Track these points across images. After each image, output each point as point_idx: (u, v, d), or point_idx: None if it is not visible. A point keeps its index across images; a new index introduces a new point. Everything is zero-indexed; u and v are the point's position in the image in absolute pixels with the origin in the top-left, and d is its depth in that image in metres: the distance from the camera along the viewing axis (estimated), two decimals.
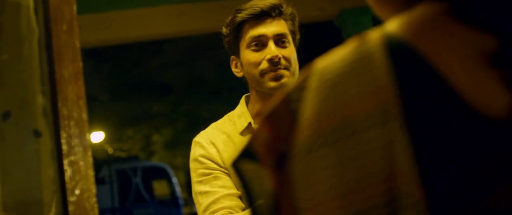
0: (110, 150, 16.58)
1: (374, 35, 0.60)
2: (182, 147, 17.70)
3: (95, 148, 16.31)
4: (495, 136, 0.54)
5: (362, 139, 0.56)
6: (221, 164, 1.65)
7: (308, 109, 0.60)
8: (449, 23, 0.58)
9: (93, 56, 15.69)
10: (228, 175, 1.64)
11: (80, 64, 1.12)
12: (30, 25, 1.03)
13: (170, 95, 17.80)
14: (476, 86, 0.55)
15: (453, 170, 0.54)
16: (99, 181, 14.35)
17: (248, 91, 1.80)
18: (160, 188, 14.98)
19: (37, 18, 1.04)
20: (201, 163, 1.66)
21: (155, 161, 17.72)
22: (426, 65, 0.56)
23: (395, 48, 0.58)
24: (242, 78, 1.76)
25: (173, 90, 17.82)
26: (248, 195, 0.70)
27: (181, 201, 15.04)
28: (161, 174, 15.13)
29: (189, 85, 17.47)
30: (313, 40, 8.18)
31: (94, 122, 17.00)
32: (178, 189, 15.07)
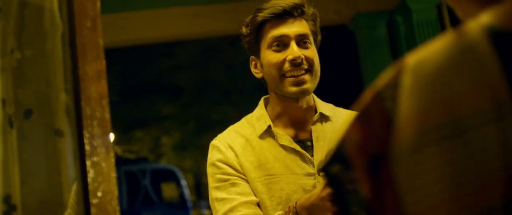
0: (119, 152, 16.60)
1: (473, 27, 0.57)
2: (191, 149, 17.69)
3: None
4: None
5: (476, 136, 0.52)
6: (239, 168, 1.62)
7: (405, 107, 0.57)
8: None
9: (105, 58, 15.72)
10: (246, 180, 1.61)
11: (104, 62, 1.09)
12: (54, 21, 1.00)
13: (180, 97, 17.79)
14: None
15: None
16: None
17: (267, 93, 1.77)
18: (168, 190, 14.95)
19: (61, 13, 1.01)
20: (219, 167, 1.63)
21: (164, 163, 17.72)
22: None
23: (500, 39, 0.54)
24: (262, 80, 1.72)
25: (184, 93, 17.80)
26: (338, 201, 0.66)
27: (189, 204, 15.02)
28: (170, 176, 15.11)
29: (200, 88, 17.46)
30: (326, 43, 8.15)
31: None
32: (186, 192, 15.04)
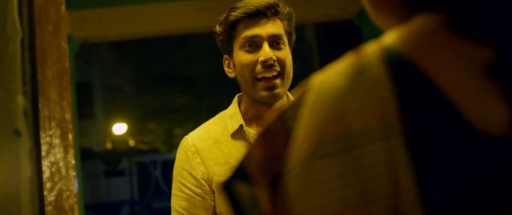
0: (131, 142, 16.72)
1: (372, 49, 0.59)
2: None
3: (117, 140, 16.46)
4: (494, 154, 0.53)
5: (364, 153, 0.54)
6: (201, 180, 1.63)
7: (303, 123, 0.59)
8: (447, 36, 0.57)
9: (117, 48, 15.82)
10: (208, 194, 1.62)
11: (66, 64, 1.12)
12: (14, 26, 1.04)
13: (193, 89, 17.84)
14: (475, 101, 0.54)
15: (453, 190, 0.53)
16: (119, 172, 14.48)
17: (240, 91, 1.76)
18: None
19: (21, 18, 1.05)
20: (183, 177, 1.65)
21: (175, 155, 17.80)
22: (425, 79, 0.55)
23: (394, 62, 0.57)
24: (234, 79, 1.72)
25: (197, 85, 17.85)
26: None
27: None
28: None
29: (213, 80, 17.49)
30: (333, 39, 8.14)
31: (117, 113, 17.16)
32: None
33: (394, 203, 0.53)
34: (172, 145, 19.43)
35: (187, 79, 17.92)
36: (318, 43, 8.70)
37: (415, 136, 0.54)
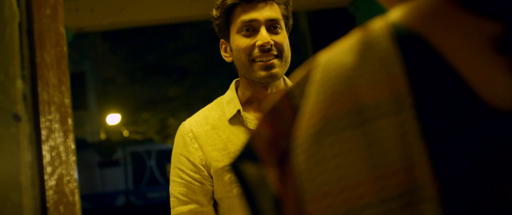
0: (125, 133, 16.70)
1: (379, 25, 0.59)
2: None
3: (111, 130, 16.44)
4: (503, 128, 0.53)
5: (375, 127, 0.54)
6: (200, 165, 1.63)
7: (311, 100, 0.59)
8: (455, 11, 0.57)
9: (110, 38, 15.76)
10: (207, 179, 1.62)
11: (65, 49, 1.11)
12: (12, 9, 1.02)
13: (187, 79, 17.82)
14: (483, 75, 0.54)
15: (462, 163, 0.53)
16: (113, 163, 14.48)
17: (237, 76, 1.75)
18: None
19: (19, 1, 1.04)
20: (181, 163, 1.65)
21: (170, 145, 17.80)
22: (434, 53, 0.55)
23: (402, 37, 0.57)
24: (231, 63, 1.71)
25: (190, 74, 17.83)
26: (248, 198, 0.67)
27: None
28: None
29: (206, 70, 17.47)
30: (326, 27, 8.13)
31: (110, 104, 17.12)
32: None
33: (407, 177, 0.52)
34: (166, 135, 19.42)
35: (180, 69, 17.89)
36: (311, 32, 8.69)
37: (425, 109, 0.53)
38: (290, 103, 0.62)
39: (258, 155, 0.64)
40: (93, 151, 15.60)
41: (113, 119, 16.59)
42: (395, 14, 0.61)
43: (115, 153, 14.88)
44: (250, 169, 0.65)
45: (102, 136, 16.85)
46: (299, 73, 0.64)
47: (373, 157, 0.53)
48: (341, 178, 0.54)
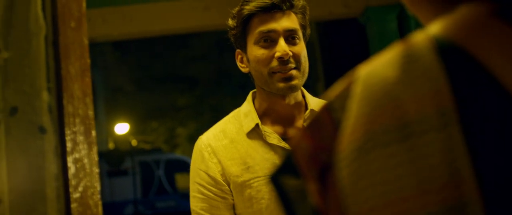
0: (134, 142, 16.73)
1: (420, 38, 0.59)
2: None
3: (120, 139, 16.47)
4: None
5: (420, 142, 0.53)
6: (220, 180, 1.60)
7: (352, 114, 0.58)
8: (498, 25, 0.56)
9: (120, 48, 15.83)
10: (228, 194, 1.60)
11: (88, 61, 1.12)
12: (38, 22, 1.03)
13: (196, 88, 17.88)
14: None
15: (509, 181, 0.52)
16: (122, 172, 14.50)
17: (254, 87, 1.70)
18: (182, 180, 15.02)
19: (45, 14, 1.05)
20: (201, 178, 1.62)
21: (178, 154, 17.83)
22: (478, 67, 0.54)
23: (446, 51, 0.56)
24: (248, 74, 1.67)
25: (199, 84, 17.89)
26: (287, 211, 0.66)
27: None
28: (184, 167, 15.18)
29: (215, 79, 17.51)
30: (335, 36, 8.13)
31: (119, 113, 17.17)
32: None
33: (453, 193, 0.52)
34: (175, 144, 19.45)
35: (189, 79, 17.95)
36: (320, 42, 8.69)
37: (470, 124, 0.53)
38: (331, 116, 0.62)
39: (298, 168, 0.63)
40: (101, 160, 15.59)
41: (122, 128, 16.62)
42: (436, 27, 0.60)
43: (123, 162, 14.90)
44: (290, 182, 0.65)
45: (111, 145, 16.90)
46: (338, 87, 0.64)
47: (419, 172, 0.53)
48: (386, 193, 0.54)
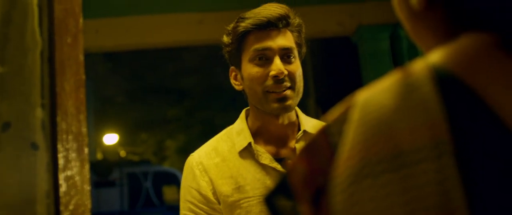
0: (122, 153, 16.66)
1: (420, 67, 0.59)
2: None
3: (108, 150, 16.39)
4: None
5: (414, 172, 0.54)
6: (211, 198, 1.59)
7: (349, 140, 0.58)
8: (500, 56, 0.57)
9: (111, 59, 15.80)
10: (219, 211, 1.58)
11: (83, 77, 1.12)
12: (34, 38, 1.03)
13: (186, 101, 17.84)
14: None
15: (504, 212, 0.52)
16: (109, 183, 14.42)
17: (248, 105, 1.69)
18: (170, 193, 14.95)
19: (42, 30, 1.04)
20: (192, 196, 1.60)
21: (166, 167, 17.76)
22: (477, 99, 0.55)
23: (443, 80, 0.56)
24: (242, 92, 1.66)
25: (190, 97, 17.86)
26: None
27: None
28: (172, 179, 15.12)
29: (206, 92, 17.49)
30: (326, 54, 8.16)
31: (108, 124, 17.11)
32: None
33: None
34: (163, 156, 19.37)
35: (180, 91, 17.92)
36: (312, 59, 8.72)
37: (465, 156, 0.53)
38: (328, 140, 0.62)
39: (293, 190, 0.64)
40: (89, 170, 15.46)
41: (111, 138, 16.55)
42: (436, 56, 0.61)
43: (111, 173, 14.82)
44: (284, 204, 0.65)
45: (99, 155, 16.81)
46: (336, 111, 0.64)
47: (411, 202, 0.53)
48: None
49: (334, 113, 0.64)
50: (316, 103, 7.92)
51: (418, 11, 0.68)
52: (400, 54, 5.73)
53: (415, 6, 0.68)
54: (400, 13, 0.73)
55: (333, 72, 7.62)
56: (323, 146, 0.62)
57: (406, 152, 0.55)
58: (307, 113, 1.75)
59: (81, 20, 1.13)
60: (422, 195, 0.53)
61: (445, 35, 0.65)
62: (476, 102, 0.55)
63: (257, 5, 1.61)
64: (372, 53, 5.87)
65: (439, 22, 0.66)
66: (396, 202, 0.54)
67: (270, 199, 0.67)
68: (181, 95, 17.83)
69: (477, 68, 0.57)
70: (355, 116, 0.60)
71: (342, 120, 0.62)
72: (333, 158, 0.60)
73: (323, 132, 0.63)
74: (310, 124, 1.66)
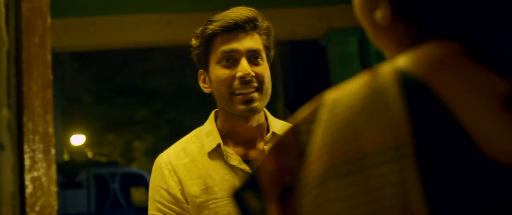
0: (90, 154, 16.47)
1: (387, 70, 0.60)
2: None
3: (75, 151, 16.19)
4: (504, 183, 0.54)
5: (376, 173, 0.55)
6: (180, 198, 1.58)
7: (317, 141, 0.60)
8: (465, 63, 0.59)
9: (78, 58, 15.62)
10: (187, 211, 1.57)
11: (51, 77, 1.10)
12: (1, 37, 1.01)
13: (154, 102, 17.72)
14: (488, 129, 0.55)
15: (462, 213, 0.54)
16: (76, 185, 14.26)
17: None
18: (138, 195, 14.84)
19: (8, 29, 1.03)
20: (161, 196, 1.60)
21: (134, 168, 17.62)
22: (439, 104, 0.56)
23: (409, 84, 0.58)
24: (210, 95, 1.66)
25: (158, 98, 17.74)
26: None
27: None
28: (140, 181, 15.01)
29: (175, 94, 17.41)
30: (296, 56, 8.21)
31: (75, 124, 16.90)
32: None
33: None
34: (131, 157, 19.21)
35: (148, 92, 17.79)
36: (281, 61, 8.75)
37: (426, 158, 0.55)
38: (297, 139, 0.63)
39: (261, 187, 0.65)
40: (56, 171, 15.24)
41: (78, 139, 16.36)
42: (403, 60, 0.62)
43: (78, 175, 14.65)
44: (251, 200, 0.66)
45: (66, 156, 16.60)
46: (305, 110, 0.65)
47: (374, 202, 0.55)
48: None
49: (303, 112, 0.65)
50: (285, 106, 7.95)
51: (382, 25, 0.69)
52: (368, 57, 5.79)
53: (380, 21, 0.69)
54: (363, 22, 0.75)
55: (302, 75, 7.67)
56: (292, 145, 0.63)
57: (370, 154, 0.56)
58: (276, 115, 1.76)
59: (49, 20, 1.12)
60: (383, 196, 0.54)
61: (409, 44, 0.66)
62: (438, 106, 0.56)
63: (227, 7, 1.61)
64: (340, 56, 5.92)
65: (403, 33, 0.68)
66: (360, 202, 0.55)
67: (238, 195, 0.68)
68: (149, 96, 17.70)
69: (442, 74, 0.59)
70: (324, 116, 0.61)
71: (311, 119, 0.63)
72: (302, 157, 0.61)
73: (292, 131, 0.64)
74: (279, 126, 1.67)
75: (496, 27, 0.60)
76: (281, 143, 0.65)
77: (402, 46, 0.68)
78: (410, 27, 0.66)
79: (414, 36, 0.66)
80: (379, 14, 0.69)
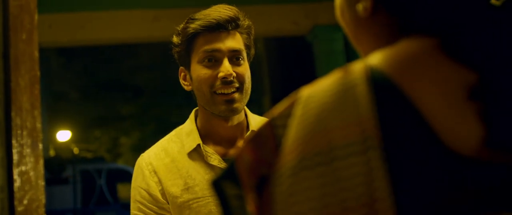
0: (76, 150, 16.40)
1: (358, 67, 0.63)
2: None
3: (61, 147, 16.11)
4: (465, 173, 0.57)
5: (343, 164, 0.59)
6: (160, 198, 1.59)
7: (292, 135, 0.64)
8: (436, 58, 0.62)
9: (64, 54, 15.55)
10: (168, 211, 1.58)
11: (38, 73, 1.12)
12: None
13: (141, 98, 17.69)
14: (451, 119, 0.59)
15: (424, 203, 0.57)
16: (62, 181, 14.19)
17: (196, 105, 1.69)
18: (124, 191, 14.79)
19: None
20: (142, 196, 1.61)
21: (121, 164, 17.57)
22: (404, 99, 0.60)
23: (377, 82, 0.61)
24: (191, 92, 1.66)
25: (145, 94, 17.72)
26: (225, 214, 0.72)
27: None
28: (126, 177, 14.93)
29: (161, 90, 17.38)
30: (282, 52, 8.24)
31: (61, 120, 16.81)
32: None
33: (370, 211, 0.57)
34: (118, 153, 19.15)
35: (134, 88, 17.76)
36: (268, 57, 8.79)
37: (391, 151, 0.58)
38: (273, 133, 0.67)
39: (239, 177, 0.68)
40: (43, 166, 15.14)
41: (63, 135, 16.28)
42: (375, 58, 0.65)
43: (64, 171, 14.58)
44: (230, 190, 0.71)
45: (51, 152, 16.52)
46: (282, 105, 0.69)
47: (342, 191, 0.59)
48: (312, 209, 0.60)
49: (280, 107, 0.69)
50: (271, 101, 7.98)
51: (363, 17, 0.72)
52: (354, 54, 5.83)
53: (361, 12, 0.72)
54: (342, 18, 0.78)
55: (289, 71, 7.70)
56: (268, 138, 0.67)
57: (338, 147, 0.60)
58: (262, 110, 1.78)
59: (36, 16, 1.14)
60: (351, 185, 0.58)
61: (387, 39, 0.70)
62: (404, 103, 0.60)
63: (213, 3, 1.62)
64: (326, 52, 5.96)
65: (382, 27, 0.71)
66: (329, 191, 0.59)
67: (217, 184, 0.71)
68: (136, 92, 17.67)
69: (408, 71, 0.62)
70: (299, 111, 0.65)
71: (287, 114, 0.67)
72: (278, 150, 0.65)
73: (269, 124, 0.68)
74: (259, 123, 1.67)
75: (468, 21, 0.64)
76: (259, 136, 0.69)
77: (380, 42, 0.71)
78: (390, 19, 0.70)
79: (392, 32, 0.69)
80: (360, 6, 0.72)
